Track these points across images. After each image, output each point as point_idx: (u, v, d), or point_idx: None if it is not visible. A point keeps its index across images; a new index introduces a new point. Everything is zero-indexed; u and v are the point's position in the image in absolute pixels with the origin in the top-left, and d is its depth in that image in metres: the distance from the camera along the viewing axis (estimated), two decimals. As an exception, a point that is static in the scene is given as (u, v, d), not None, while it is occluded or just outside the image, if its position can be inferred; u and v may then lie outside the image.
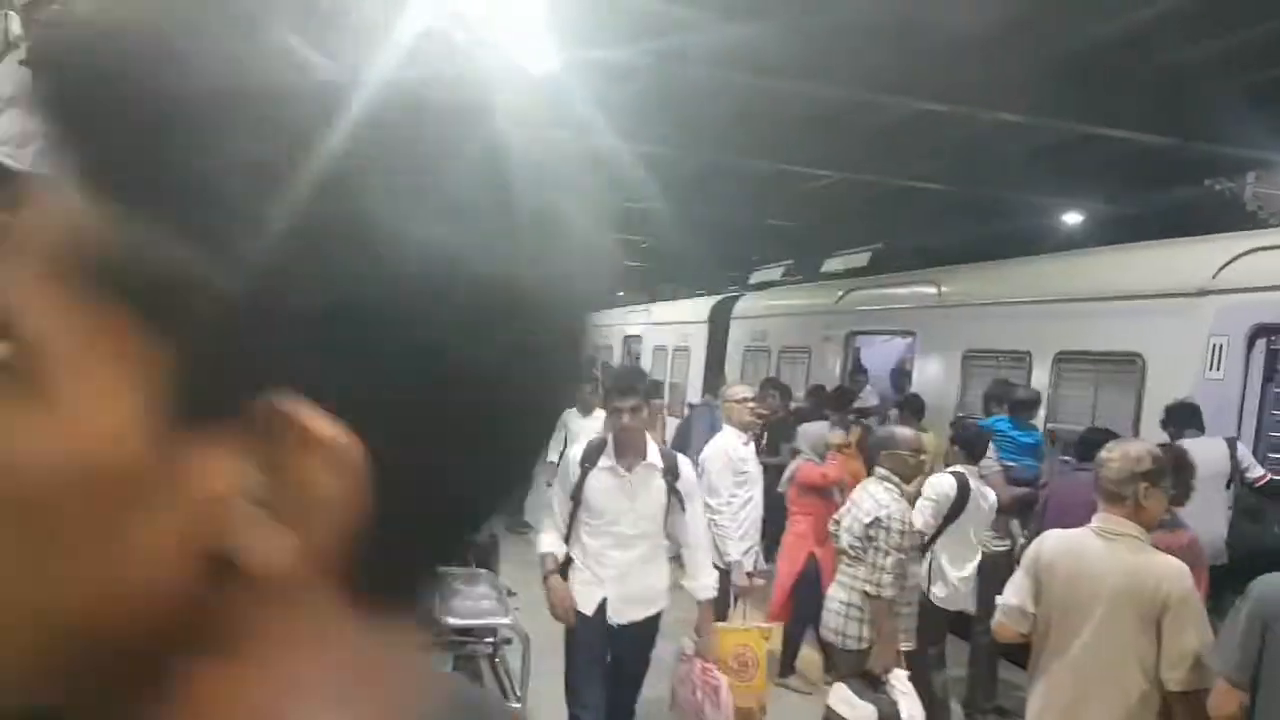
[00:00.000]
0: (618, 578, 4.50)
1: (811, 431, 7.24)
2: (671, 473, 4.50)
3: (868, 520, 4.95)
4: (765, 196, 16.31)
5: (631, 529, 4.47)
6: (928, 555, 5.64)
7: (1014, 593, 3.73)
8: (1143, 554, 3.43)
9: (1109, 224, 12.97)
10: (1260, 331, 6.45)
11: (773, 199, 16.43)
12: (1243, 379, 6.45)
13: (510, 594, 6.52)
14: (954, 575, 5.71)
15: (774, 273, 16.57)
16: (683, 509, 4.52)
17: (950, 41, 8.48)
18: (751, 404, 6.55)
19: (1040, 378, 7.93)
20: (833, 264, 13.76)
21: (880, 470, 5.19)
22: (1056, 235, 13.92)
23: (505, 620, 6.01)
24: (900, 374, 11.35)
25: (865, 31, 8.74)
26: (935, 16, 8.08)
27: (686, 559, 4.70)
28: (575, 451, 4.61)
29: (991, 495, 5.94)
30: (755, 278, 17.17)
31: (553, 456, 5.64)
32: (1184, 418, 6.10)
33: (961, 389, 8.95)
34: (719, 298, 16.81)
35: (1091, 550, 3.49)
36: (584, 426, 8.08)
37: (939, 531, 5.67)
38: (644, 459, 4.46)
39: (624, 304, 25.24)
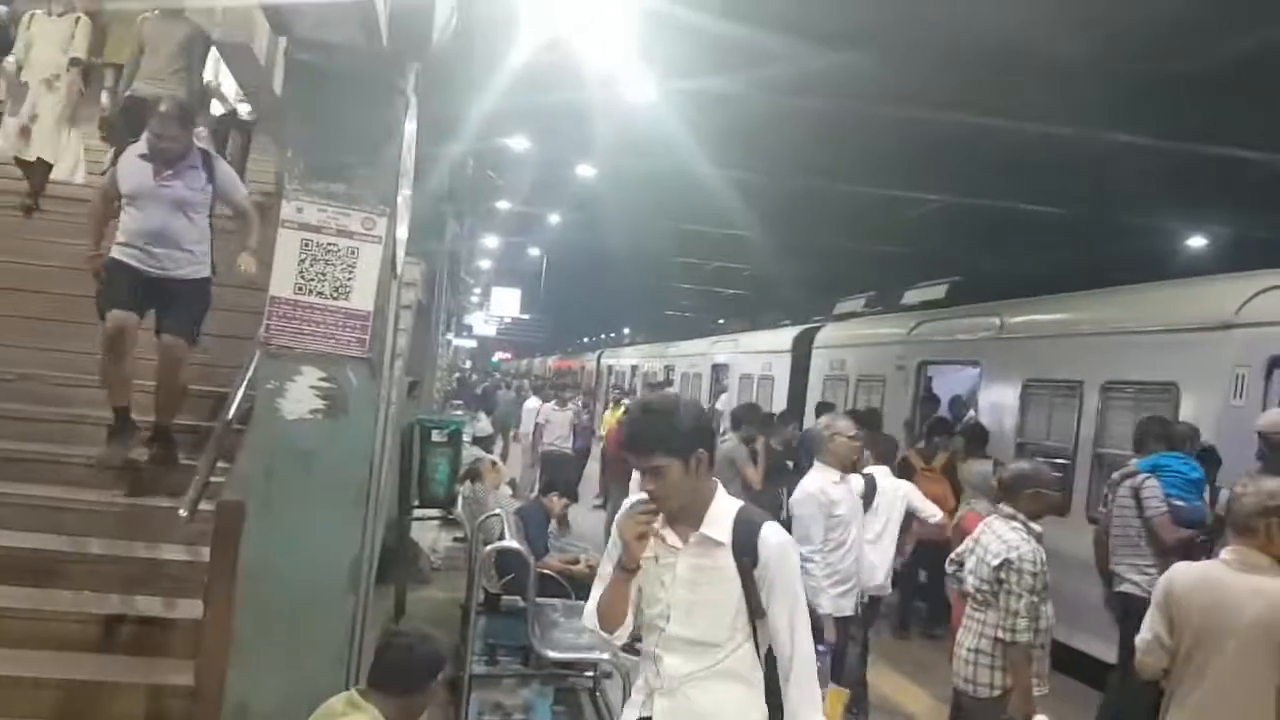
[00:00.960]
0: (666, 695, 2.97)
1: None
2: (747, 553, 2.89)
3: (996, 562, 4.69)
4: (866, 223, 16.53)
5: (683, 629, 2.94)
6: None
7: (1149, 627, 3.86)
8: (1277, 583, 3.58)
9: (1235, 248, 12.76)
10: (1276, 362, 6.91)
11: (875, 225, 16.65)
12: (1262, 406, 6.82)
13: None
14: None
15: (857, 303, 17.15)
16: (762, 613, 2.91)
17: (1060, 64, 8.40)
18: (856, 439, 6.07)
19: (1090, 405, 8.54)
20: (911, 295, 14.38)
21: (1006, 509, 4.89)
22: (1179, 259, 13.60)
23: (605, 655, 6.18)
24: (957, 403, 11.99)
25: (969, 56, 8.78)
26: (1040, 41, 8.05)
27: (784, 696, 2.95)
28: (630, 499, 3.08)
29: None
30: (840, 308, 17.80)
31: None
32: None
33: (1021, 416, 9.57)
34: (801, 328, 17.49)
35: (1226, 582, 3.65)
36: None
37: None
38: (698, 527, 2.94)
39: (713, 334, 26.23)
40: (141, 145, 5.70)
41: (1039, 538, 4.80)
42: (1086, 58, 8.43)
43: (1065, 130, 10.04)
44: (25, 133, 8.68)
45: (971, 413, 11.59)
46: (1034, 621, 4.65)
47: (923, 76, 9.34)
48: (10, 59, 9.01)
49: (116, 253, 5.69)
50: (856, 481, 6.22)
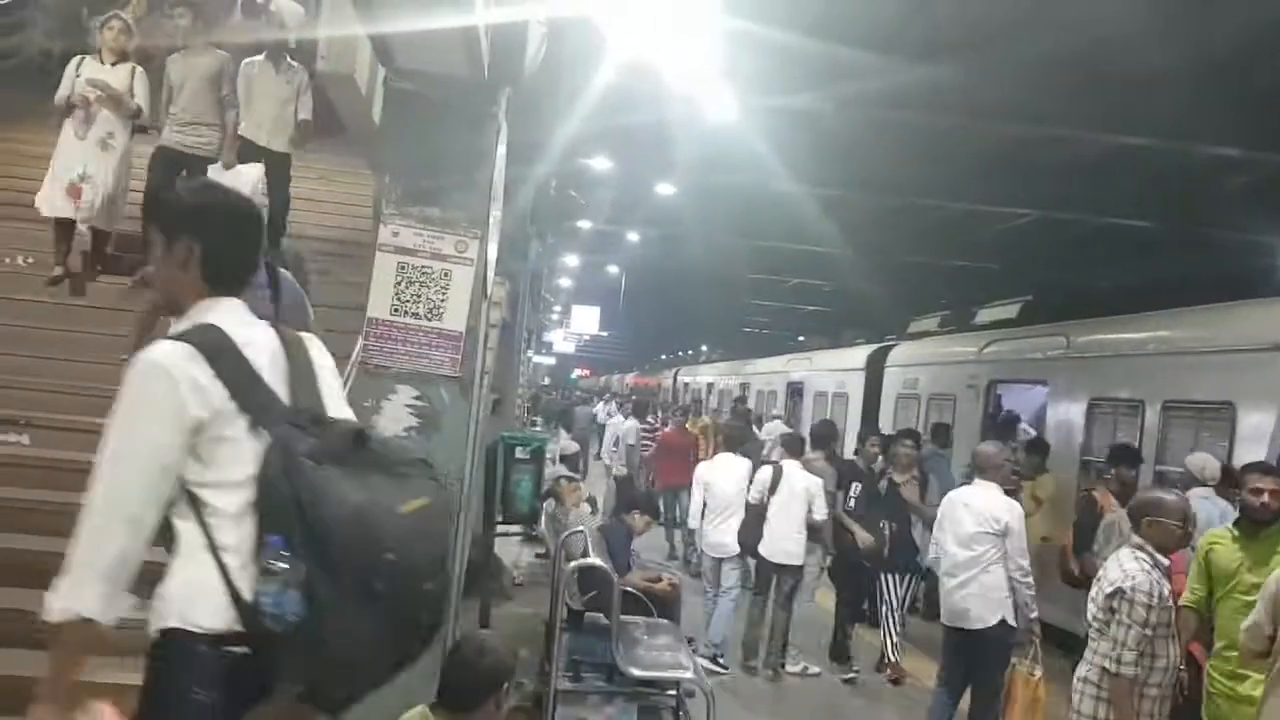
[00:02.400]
0: None
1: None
2: None
3: (1110, 590, 4.60)
4: (948, 239, 16.25)
5: None
6: None
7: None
8: None
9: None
10: None
11: (957, 241, 16.40)
12: None
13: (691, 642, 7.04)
14: None
15: (930, 322, 17.01)
16: None
17: (1150, 75, 8.22)
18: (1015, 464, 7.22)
19: (1151, 424, 8.51)
20: (983, 314, 14.25)
21: (1136, 539, 4.79)
22: (1273, 277, 13.09)
23: (688, 674, 6.25)
24: (1010, 420, 11.92)
25: (1057, 67, 8.59)
26: (1130, 52, 7.91)
27: None
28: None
29: None
30: (913, 326, 17.66)
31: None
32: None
33: (1086, 435, 9.54)
34: (875, 346, 17.44)
35: None
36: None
37: None
38: None
39: (789, 352, 26.10)
40: None
41: (1167, 572, 4.64)
42: (1176, 69, 8.17)
43: (1154, 142, 9.77)
44: (75, 192, 7.56)
45: (1025, 428, 11.71)
46: (1144, 656, 4.50)
47: (1010, 89, 9.11)
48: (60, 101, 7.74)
49: None
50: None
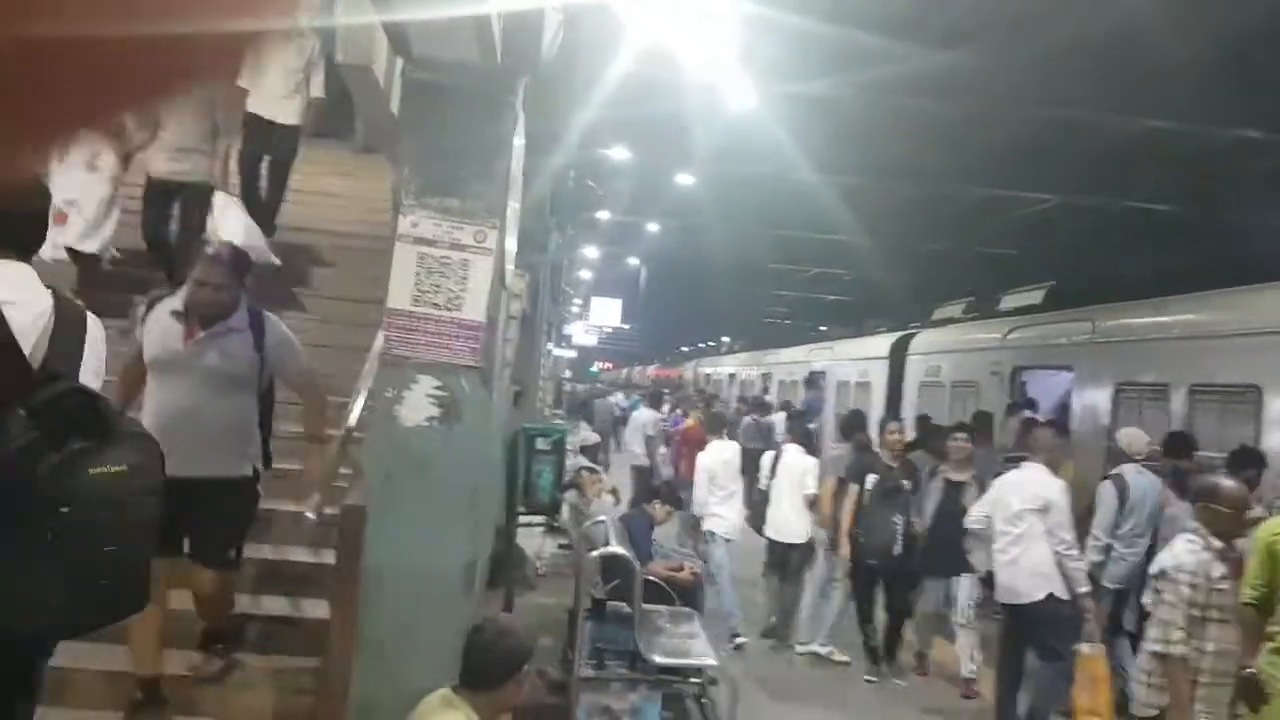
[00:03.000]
0: None
1: None
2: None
3: (1155, 572, 4.65)
4: (970, 225, 16.17)
5: None
6: None
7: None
8: None
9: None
10: None
11: (979, 228, 16.31)
12: None
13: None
14: None
15: (954, 309, 16.89)
16: None
17: (1171, 59, 8.20)
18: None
19: (1177, 409, 8.45)
20: (1007, 300, 14.17)
21: (1191, 523, 4.83)
22: None
23: (711, 661, 6.34)
24: (1013, 407, 11.85)
25: (1078, 52, 8.58)
26: (1151, 36, 7.85)
27: None
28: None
29: None
30: (937, 314, 17.55)
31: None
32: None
33: (1112, 419, 9.48)
34: (899, 334, 17.35)
35: None
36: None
37: None
38: None
39: (811, 341, 26.04)
40: (177, 300, 4.42)
41: (1220, 554, 4.58)
42: (1197, 52, 8.14)
43: (1175, 126, 9.70)
44: (61, 218, 7.09)
45: (1028, 413, 11.33)
46: (1193, 638, 4.40)
47: (1030, 75, 9.09)
48: None
49: None
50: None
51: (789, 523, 8.81)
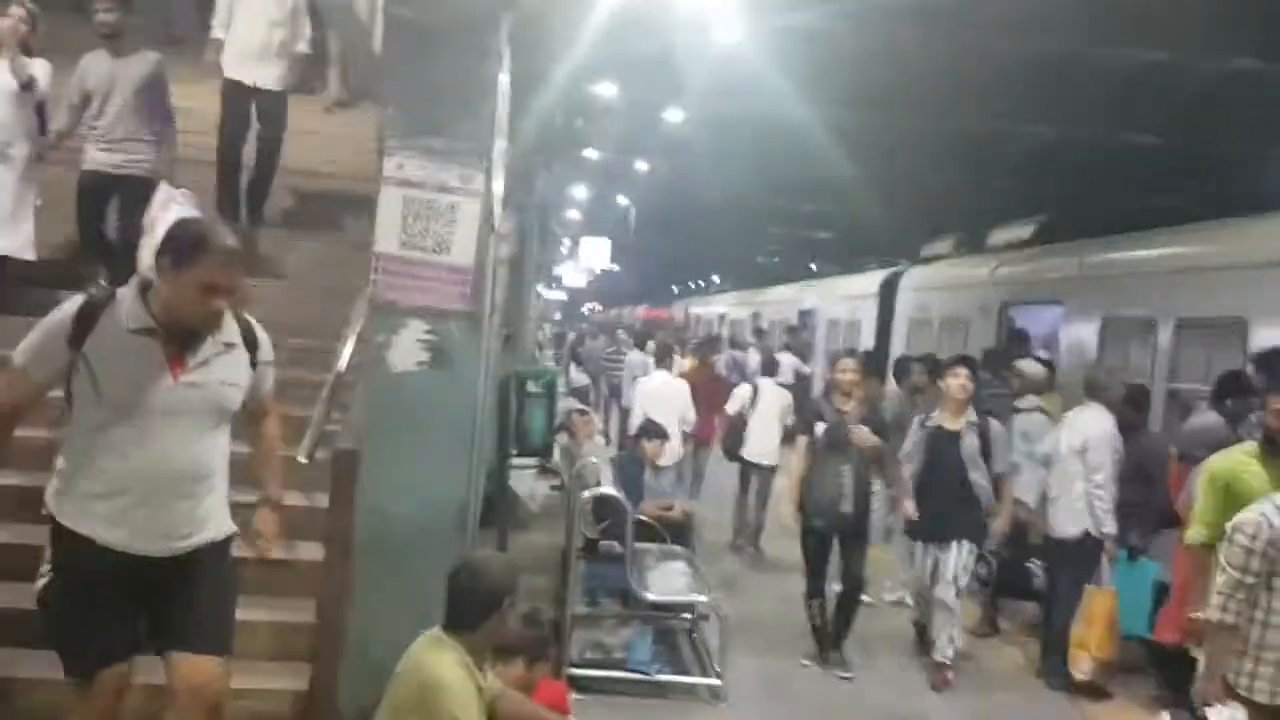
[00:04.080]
0: None
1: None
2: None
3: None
4: (963, 160, 16.18)
5: None
6: None
7: None
8: None
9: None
10: None
11: (972, 162, 16.34)
12: None
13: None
14: None
15: (944, 245, 16.80)
16: None
17: None
18: None
19: (1164, 342, 8.46)
20: (997, 236, 14.12)
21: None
22: None
23: (702, 597, 6.56)
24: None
25: None
26: None
27: None
28: None
29: None
30: (926, 250, 17.48)
31: None
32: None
33: (1100, 353, 9.51)
34: (888, 272, 17.32)
35: None
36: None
37: None
38: None
39: (799, 280, 26.02)
40: (136, 310, 3.19)
41: None
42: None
43: (1171, 57, 9.70)
44: None
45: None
46: (1245, 605, 3.91)
47: (1026, 4, 9.05)
48: None
49: (70, 517, 3.19)
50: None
51: (763, 446, 10.07)
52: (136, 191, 6.33)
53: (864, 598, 7.37)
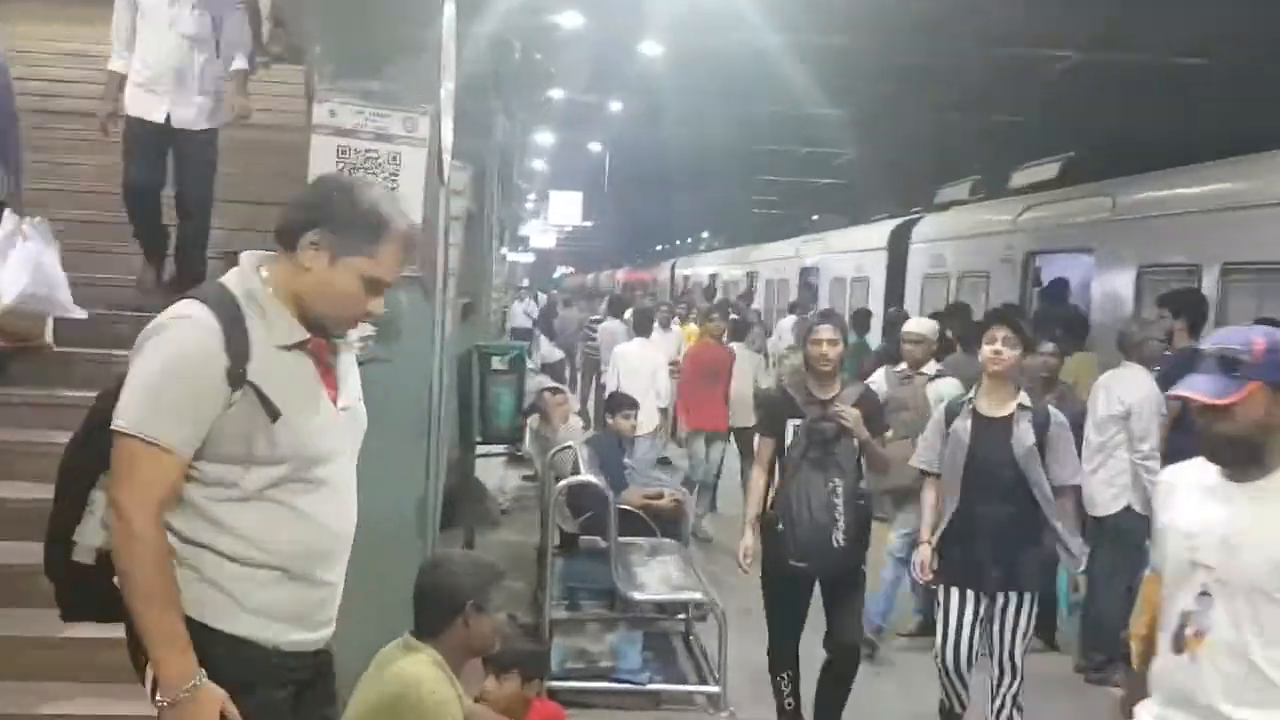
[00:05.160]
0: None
1: None
2: None
3: None
4: (981, 92, 16.13)
5: None
6: None
7: None
8: None
9: None
10: None
11: (991, 94, 16.29)
12: None
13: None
14: None
15: (960, 190, 16.68)
16: None
17: None
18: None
19: (1208, 290, 8.38)
20: (1019, 177, 14.07)
21: None
22: None
23: (697, 594, 6.36)
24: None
25: None
26: None
27: None
28: None
29: None
30: (940, 196, 17.39)
31: None
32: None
33: (1136, 305, 9.53)
34: (898, 221, 17.30)
35: None
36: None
37: None
38: None
39: (801, 233, 25.92)
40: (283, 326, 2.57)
41: None
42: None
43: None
44: None
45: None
46: None
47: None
48: None
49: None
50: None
51: (740, 411, 10.39)
52: None
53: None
